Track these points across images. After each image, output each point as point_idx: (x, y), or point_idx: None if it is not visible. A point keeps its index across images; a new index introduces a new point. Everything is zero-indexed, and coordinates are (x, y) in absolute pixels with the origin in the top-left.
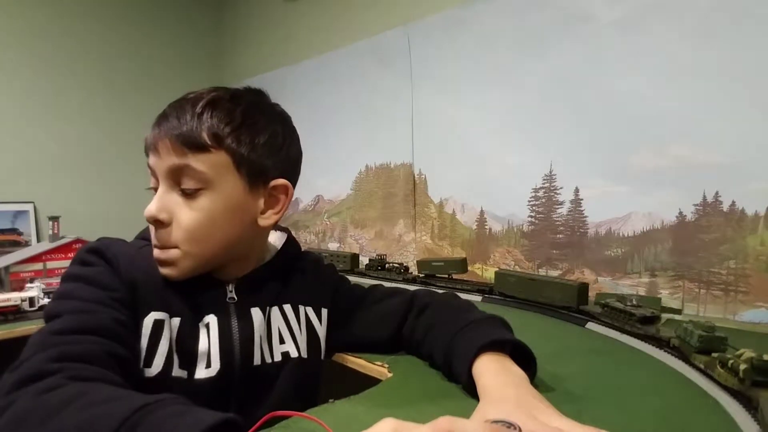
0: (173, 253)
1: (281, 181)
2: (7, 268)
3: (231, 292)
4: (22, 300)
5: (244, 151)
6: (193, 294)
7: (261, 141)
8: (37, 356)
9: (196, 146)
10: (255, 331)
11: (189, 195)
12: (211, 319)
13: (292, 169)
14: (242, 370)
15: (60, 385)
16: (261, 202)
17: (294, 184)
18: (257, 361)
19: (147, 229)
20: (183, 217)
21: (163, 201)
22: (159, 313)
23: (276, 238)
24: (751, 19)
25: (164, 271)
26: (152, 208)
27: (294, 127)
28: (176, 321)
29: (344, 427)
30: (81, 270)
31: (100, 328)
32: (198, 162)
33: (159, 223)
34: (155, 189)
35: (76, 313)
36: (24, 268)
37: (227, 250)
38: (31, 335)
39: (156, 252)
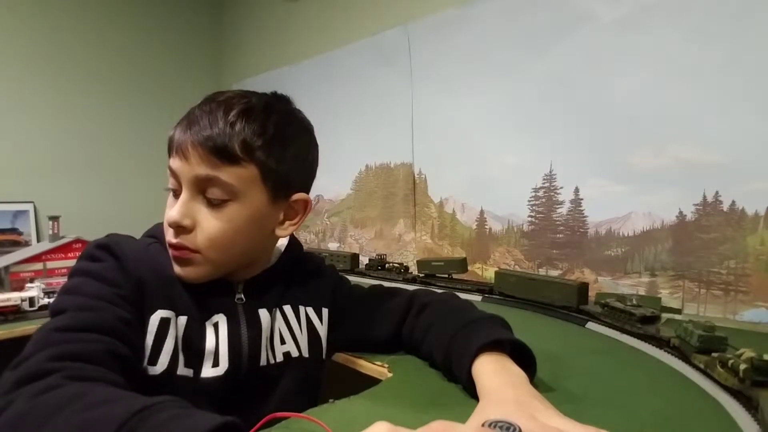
0: (194, 256)
1: (303, 195)
2: (7, 268)
3: (240, 293)
4: (22, 300)
5: (272, 164)
6: (201, 293)
7: (289, 154)
8: (38, 355)
9: (228, 158)
10: (262, 332)
11: (215, 205)
12: (220, 319)
13: (311, 180)
14: (248, 370)
15: (59, 385)
16: (281, 214)
17: (309, 192)
18: (263, 362)
19: (155, 228)
20: (207, 226)
21: (187, 207)
22: (165, 311)
23: (280, 240)
24: (751, 19)
25: (182, 271)
26: (175, 214)
27: (315, 137)
28: (183, 320)
29: (344, 427)
30: (89, 265)
31: (104, 326)
32: (228, 174)
33: (181, 229)
34: (174, 191)
35: (80, 310)
36: (24, 268)
37: (244, 257)
38: (35, 330)
39: (175, 253)
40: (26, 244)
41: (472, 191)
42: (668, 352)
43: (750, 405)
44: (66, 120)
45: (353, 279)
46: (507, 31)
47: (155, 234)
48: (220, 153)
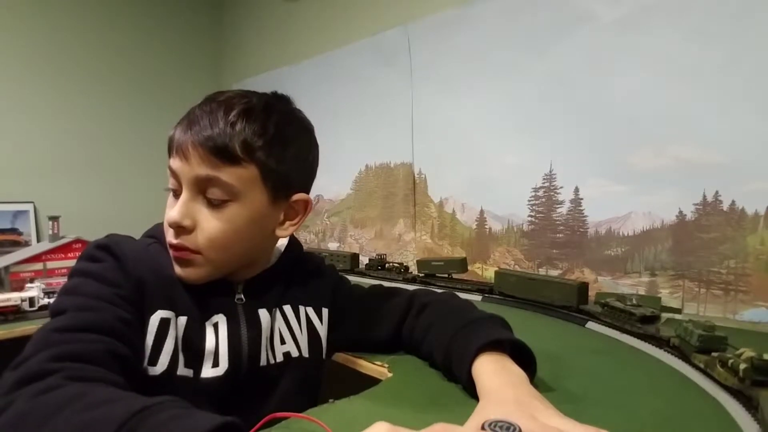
0: (195, 257)
1: (303, 196)
2: (7, 268)
3: (239, 293)
4: (22, 300)
5: (272, 164)
6: (201, 294)
7: (289, 154)
8: (38, 355)
9: (228, 159)
10: (262, 332)
11: (215, 205)
12: (220, 319)
13: (311, 180)
14: (248, 370)
15: (59, 386)
16: (281, 214)
17: (309, 192)
18: (263, 362)
19: (155, 228)
20: (207, 226)
21: (187, 208)
22: (165, 311)
23: (280, 240)
24: (751, 19)
25: (182, 272)
26: (176, 214)
27: (315, 137)
28: (183, 320)
29: (344, 427)
30: (88, 266)
31: (103, 326)
32: (228, 175)
33: (181, 229)
34: (174, 191)
35: (80, 310)
36: (24, 268)
37: (245, 257)
38: (36, 330)
39: (175, 253)
40: (26, 244)
41: (472, 191)
42: (668, 352)
43: (750, 405)
44: (66, 120)
45: (353, 279)
46: (507, 31)
47: (155, 234)
48: (221, 153)
